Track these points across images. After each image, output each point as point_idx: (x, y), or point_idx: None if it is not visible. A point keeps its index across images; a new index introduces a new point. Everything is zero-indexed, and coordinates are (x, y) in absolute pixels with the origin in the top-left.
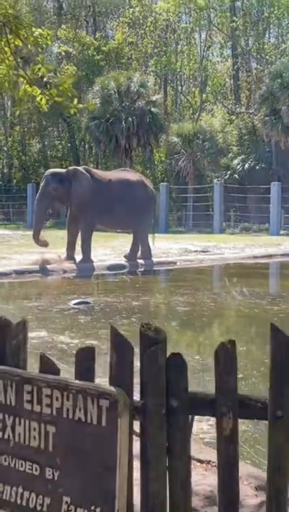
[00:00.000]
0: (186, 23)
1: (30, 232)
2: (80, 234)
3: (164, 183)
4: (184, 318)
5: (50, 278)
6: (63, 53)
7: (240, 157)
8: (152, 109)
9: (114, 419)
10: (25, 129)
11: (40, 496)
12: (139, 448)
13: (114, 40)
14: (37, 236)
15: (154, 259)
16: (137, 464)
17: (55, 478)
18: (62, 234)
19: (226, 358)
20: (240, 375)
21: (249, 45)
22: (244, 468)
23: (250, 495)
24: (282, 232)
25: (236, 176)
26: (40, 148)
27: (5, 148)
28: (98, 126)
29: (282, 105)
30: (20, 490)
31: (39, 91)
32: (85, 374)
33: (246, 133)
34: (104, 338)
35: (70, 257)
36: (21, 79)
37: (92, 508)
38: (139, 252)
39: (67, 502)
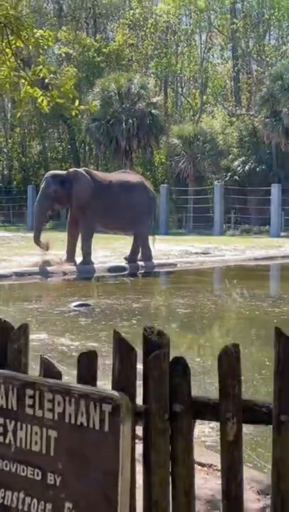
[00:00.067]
0: (187, 25)
1: (31, 234)
2: (80, 236)
3: (165, 185)
4: (185, 320)
5: (50, 280)
6: (63, 55)
7: (241, 159)
8: (153, 111)
9: (117, 424)
10: (26, 131)
11: (42, 502)
12: (142, 453)
13: (114, 41)
14: (38, 238)
15: (155, 261)
16: (139, 469)
17: (57, 483)
18: (63, 236)
19: (229, 362)
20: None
21: (249, 46)
22: (246, 471)
23: (252, 499)
24: (282, 234)
25: (237, 177)
26: (40, 149)
27: (5, 150)
28: (98, 127)
29: (283, 107)
30: (21, 495)
31: (40, 92)
32: (87, 378)
33: (247, 135)
34: (104, 341)
35: (71, 258)
36: (22, 80)
37: None
38: (140, 254)
39: (69, 508)
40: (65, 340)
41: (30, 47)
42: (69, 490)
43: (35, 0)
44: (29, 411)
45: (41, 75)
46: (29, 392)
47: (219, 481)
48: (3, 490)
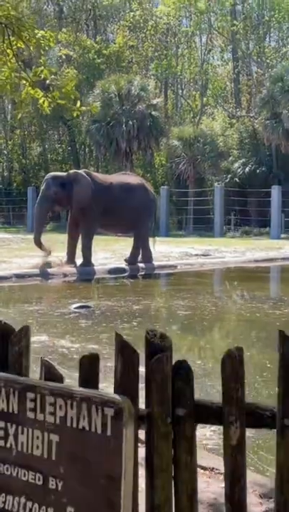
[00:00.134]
0: (187, 27)
1: (31, 236)
2: (80, 237)
3: (165, 187)
4: (185, 322)
5: (50, 282)
6: (64, 57)
7: (241, 161)
8: (153, 113)
9: (119, 428)
10: (26, 133)
11: (43, 507)
12: (145, 457)
13: (114, 43)
14: (38, 240)
15: (155, 263)
16: (142, 472)
17: (59, 488)
18: (63, 238)
19: (233, 365)
20: None
21: (250, 48)
22: (248, 475)
23: (254, 503)
24: (282, 235)
25: (237, 179)
26: (40, 151)
27: (5, 152)
28: (99, 129)
29: (283, 109)
30: (22, 500)
31: (41, 93)
32: (89, 381)
33: (247, 136)
34: (105, 343)
35: (71, 260)
36: (23, 81)
37: None
38: (140, 256)
39: None
40: (65, 343)
41: (32, 47)
42: (71, 494)
43: (36, 1)
44: (30, 415)
45: (42, 76)
46: (30, 395)
47: (221, 485)
48: (4, 494)
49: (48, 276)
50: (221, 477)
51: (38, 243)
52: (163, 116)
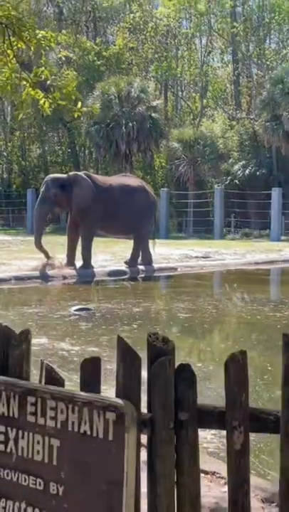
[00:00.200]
0: (187, 29)
1: (30, 238)
2: (80, 239)
3: (165, 189)
4: (186, 325)
5: (50, 284)
6: (63, 58)
7: (241, 163)
8: (153, 115)
9: (122, 433)
10: (25, 135)
11: None
12: (147, 463)
13: (114, 45)
14: (39, 242)
15: (155, 265)
16: (144, 476)
17: (60, 493)
18: (63, 240)
19: (236, 369)
20: None
21: (250, 50)
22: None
23: (256, 507)
24: (283, 238)
25: (237, 181)
26: (40, 153)
27: (5, 154)
28: (98, 131)
29: (283, 111)
30: (23, 505)
31: (42, 94)
32: (91, 385)
33: (247, 138)
34: (105, 345)
35: (71, 262)
36: (24, 82)
37: None
38: (140, 258)
39: None
40: (65, 345)
41: (32, 48)
42: (72, 500)
43: (35, 3)
44: (31, 419)
45: (43, 76)
46: (31, 399)
47: (223, 489)
48: (4, 500)
49: (47, 278)
50: (223, 481)
51: (39, 245)
52: (163, 118)
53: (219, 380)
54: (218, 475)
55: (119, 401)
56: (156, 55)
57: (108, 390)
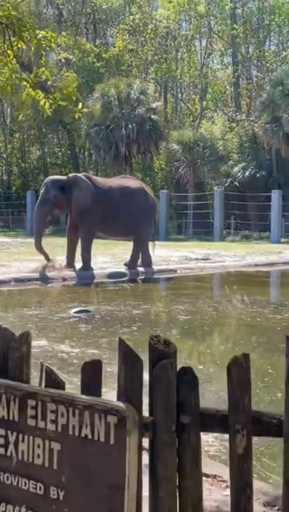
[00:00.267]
0: (187, 31)
1: (30, 240)
2: (80, 241)
3: (164, 191)
4: (186, 327)
5: (49, 286)
6: (63, 60)
7: (241, 165)
8: (152, 117)
9: (123, 437)
10: (25, 136)
11: None
12: (149, 466)
13: (114, 47)
14: (39, 244)
15: (155, 267)
16: (145, 479)
17: (60, 497)
18: (62, 241)
19: (239, 372)
20: None
21: (250, 52)
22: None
23: (258, 511)
24: (283, 240)
25: (236, 183)
26: (39, 155)
27: (4, 155)
28: (98, 133)
29: (283, 113)
30: (23, 510)
31: (42, 95)
32: (92, 388)
33: (247, 140)
34: (105, 347)
35: (70, 264)
36: (24, 82)
37: None
38: (140, 260)
39: None
40: (65, 347)
41: (33, 48)
42: (73, 504)
43: (35, 5)
44: (31, 422)
45: (43, 77)
46: (31, 402)
47: (224, 492)
48: (4, 504)
49: (47, 280)
50: (224, 484)
51: (39, 247)
52: (162, 120)
53: (220, 383)
54: (219, 478)
55: (121, 404)
56: (155, 57)
57: (108, 393)
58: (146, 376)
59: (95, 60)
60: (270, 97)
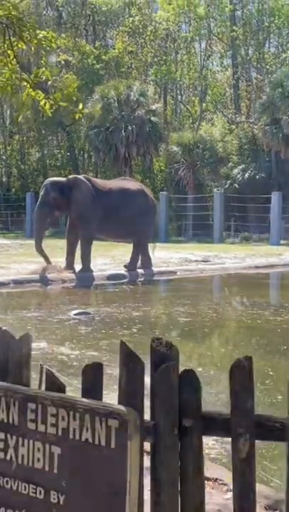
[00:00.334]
0: (186, 33)
1: (29, 242)
2: (79, 243)
3: (164, 193)
4: (186, 329)
5: (49, 288)
6: (63, 62)
7: (240, 166)
8: (152, 118)
9: (124, 441)
10: (25, 138)
11: None
12: (150, 470)
13: (114, 49)
14: (39, 245)
15: (155, 269)
16: (147, 482)
17: (61, 502)
18: (62, 243)
19: (242, 375)
20: None
21: (249, 54)
22: None
23: None
24: (282, 242)
25: (236, 185)
26: (39, 157)
27: (4, 157)
28: (98, 135)
29: (283, 115)
30: None
31: (43, 95)
32: (93, 392)
33: (246, 142)
34: (105, 349)
35: (70, 266)
36: (24, 83)
37: None
38: (139, 262)
39: None
40: (65, 349)
41: (33, 48)
42: (73, 509)
43: (35, 7)
44: (31, 426)
45: (44, 77)
46: (31, 406)
47: (225, 496)
48: (4, 508)
49: (46, 282)
50: (225, 488)
51: (39, 249)
52: (162, 121)
53: (220, 385)
54: (220, 481)
55: (122, 408)
56: (155, 59)
57: (108, 395)
58: (147, 379)
59: (95, 61)
60: (270, 98)
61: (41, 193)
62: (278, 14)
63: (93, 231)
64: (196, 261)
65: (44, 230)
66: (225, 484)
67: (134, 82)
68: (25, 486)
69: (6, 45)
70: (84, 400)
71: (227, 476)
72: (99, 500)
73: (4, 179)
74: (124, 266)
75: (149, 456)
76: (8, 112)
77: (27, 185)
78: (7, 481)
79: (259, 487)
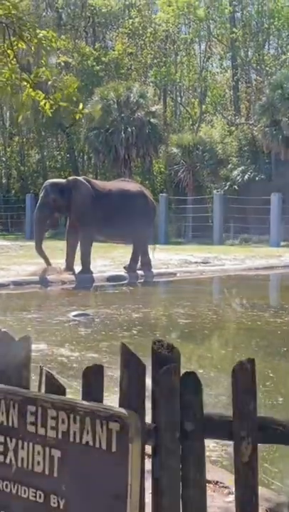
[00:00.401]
0: (186, 34)
1: (29, 243)
2: (79, 244)
3: (164, 194)
4: (186, 330)
5: (49, 289)
6: (63, 64)
7: (240, 168)
8: (152, 120)
9: (125, 444)
10: (24, 140)
11: None
12: (151, 474)
13: (113, 50)
14: (40, 247)
15: (154, 271)
16: (148, 485)
17: (61, 506)
18: (62, 245)
19: (245, 378)
20: None
21: (249, 56)
22: None
23: None
24: (282, 243)
25: (236, 186)
26: (39, 158)
27: (3, 159)
28: (97, 136)
29: (283, 116)
30: None
31: (43, 95)
32: (93, 394)
33: (246, 144)
34: (105, 351)
35: (70, 268)
36: (24, 83)
37: None
38: (139, 263)
39: None
40: (64, 351)
41: (33, 48)
42: None
43: (35, 8)
44: (31, 429)
45: (44, 77)
46: (31, 408)
47: (226, 499)
48: None
49: (46, 283)
50: (226, 491)
51: (40, 251)
52: (162, 123)
53: (220, 387)
54: (221, 484)
55: (123, 411)
56: (155, 61)
57: (109, 398)
58: (148, 381)
59: (95, 63)
60: (270, 100)
61: (41, 194)
62: (278, 16)
63: (93, 232)
64: (196, 262)
65: (44, 232)
66: (226, 487)
67: (134, 83)
68: (25, 490)
69: (6, 45)
70: (84, 402)
71: (228, 479)
72: (99, 504)
73: (4, 181)
74: (124, 267)
75: (150, 459)
76: (8, 113)
77: (27, 187)
78: (6, 485)
79: (260, 490)
